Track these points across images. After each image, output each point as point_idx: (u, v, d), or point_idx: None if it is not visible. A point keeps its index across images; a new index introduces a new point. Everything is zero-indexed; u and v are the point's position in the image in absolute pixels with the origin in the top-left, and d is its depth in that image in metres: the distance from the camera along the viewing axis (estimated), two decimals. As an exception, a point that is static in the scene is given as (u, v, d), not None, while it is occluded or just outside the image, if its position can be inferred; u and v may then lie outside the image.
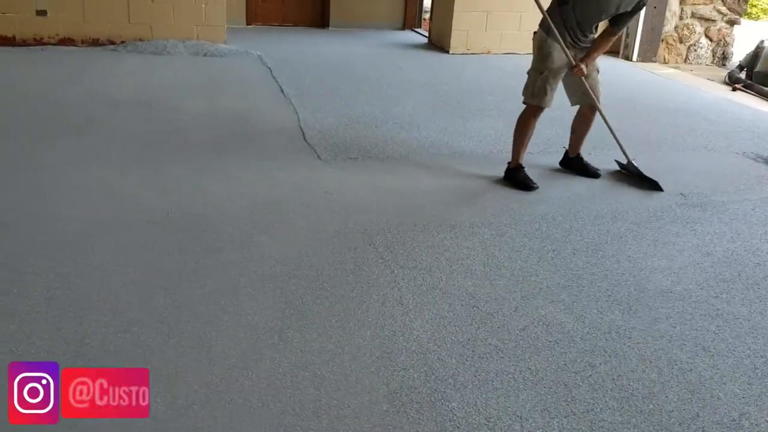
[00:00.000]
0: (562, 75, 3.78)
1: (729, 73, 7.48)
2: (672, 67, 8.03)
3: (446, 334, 2.43)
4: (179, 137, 4.34)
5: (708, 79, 7.46)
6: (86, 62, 6.15)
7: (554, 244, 3.20)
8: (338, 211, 3.39)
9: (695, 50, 8.34)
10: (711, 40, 8.39)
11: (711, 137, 5.16)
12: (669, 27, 8.12)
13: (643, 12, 7.76)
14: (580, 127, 4.07)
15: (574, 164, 4.15)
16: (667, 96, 6.47)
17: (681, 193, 3.91)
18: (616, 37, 3.86)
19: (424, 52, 7.79)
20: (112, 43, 6.71)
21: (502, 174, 4.00)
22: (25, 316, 2.35)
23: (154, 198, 3.39)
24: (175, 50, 6.71)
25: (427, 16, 9.67)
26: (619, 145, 4.07)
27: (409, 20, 9.23)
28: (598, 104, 3.89)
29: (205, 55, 6.72)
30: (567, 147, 4.21)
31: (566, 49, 3.67)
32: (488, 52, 7.88)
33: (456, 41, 7.71)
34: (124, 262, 2.76)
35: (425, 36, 8.80)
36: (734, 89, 6.92)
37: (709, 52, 8.47)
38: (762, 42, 7.24)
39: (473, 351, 2.35)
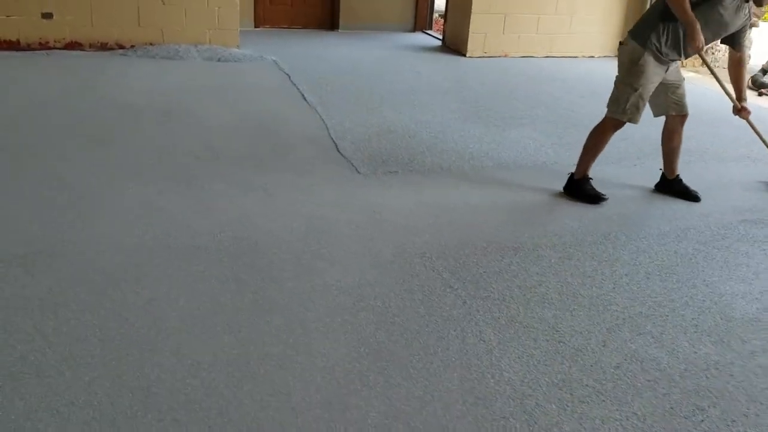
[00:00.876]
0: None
1: (752, 77, 7.33)
2: (691, 71, 7.88)
3: (538, 375, 2.24)
4: (208, 149, 4.12)
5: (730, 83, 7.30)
6: (97, 67, 5.91)
7: (625, 267, 3.02)
8: (390, 232, 3.19)
9: (713, 53, 8.20)
10: (728, 42, 8.24)
11: (752, 146, 4.98)
12: (687, 29, 7.96)
13: (662, 14, 7.65)
14: (671, 143, 3.82)
15: (673, 187, 3.90)
16: (696, 102, 6.28)
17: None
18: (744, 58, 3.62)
19: (441, 56, 7.60)
20: (121, 47, 6.46)
21: (551, 187, 3.85)
22: (80, 361, 2.14)
23: (196, 219, 3.17)
24: (187, 55, 6.48)
25: (437, 17, 9.49)
26: None
27: (420, 22, 9.04)
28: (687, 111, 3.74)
29: (219, 60, 6.49)
30: (662, 168, 3.95)
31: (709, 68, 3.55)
32: (505, 55, 7.70)
33: (473, 44, 7.53)
34: (177, 294, 2.55)
35: (438, 38, 8.61)
36: (760, 94, 6.79)
37: (727, 56, 8.31)
38: (786, 45, 7.10)
39: (571, 394, 2.16)
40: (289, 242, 3.02)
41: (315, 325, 2.42)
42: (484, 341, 2.40)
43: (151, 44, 6.52)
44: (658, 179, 4.00)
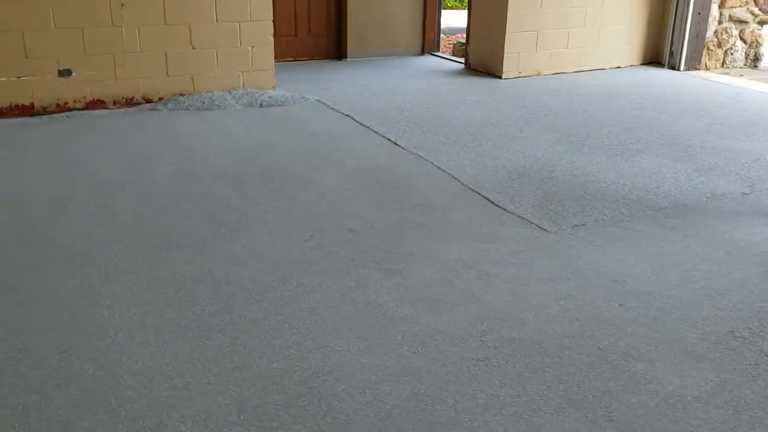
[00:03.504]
0: None
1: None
2: (721, 74, 7.78)
3: None
4: (358, 220, 3.53)
5: (769, 83, 7.23)
6: (137, 128, 5.14)
7: None
8: (669, 309, 2.73)
9: (732, 54, 8.15)
10: (745, 42, 8.23)
11: None
12: (710, 32, 7.87)
13: (689, 18, 7.50)
14: None
15: None
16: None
17: None
18: None
19: (475, 79, 7.16)
20: (149, 101, 5.70)
21: (755, 226, 3.46)
22: None
23: (432, 317, 2.61)
24: (224, 103, 5.78)
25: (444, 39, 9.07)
26: None
27: (428, 44, 8.58)
28: None
29: (261, 105, 5.82)
30: None
31: None
32: (538, 74, 7.35)
33: (508, 65, 7.13)
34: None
35: (455, 61, 8.18)
36: (811, 93, 6.70)
37: (743, 55, 8.29)
38: (822, 42, 7.07)
39: None
40: (572, 338, 2.49)
41: (730, 458, 1.90)
42: None
43: (181, 95, 5.79)
44: None
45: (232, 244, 3.24)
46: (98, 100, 5.55)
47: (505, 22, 6.97)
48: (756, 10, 8.16)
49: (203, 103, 5.76)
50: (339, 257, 3.11)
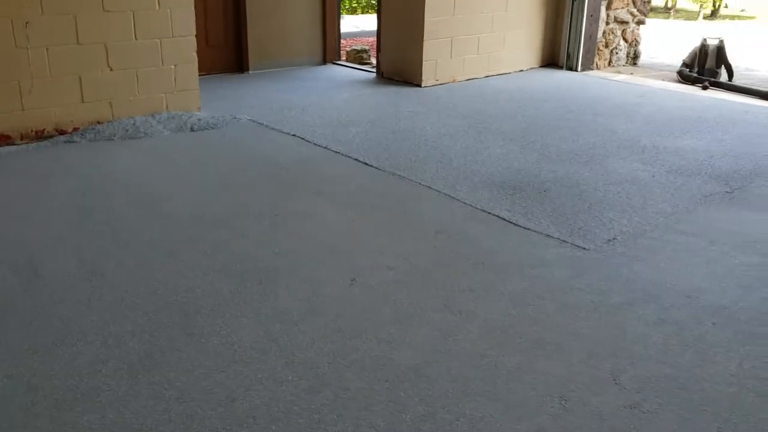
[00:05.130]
0: None
1: (679, 71, 7.81)
2: (614, 72, 8.20)
3: None
4: (387, 255, 3.24)
5: (663, 80, 7.72)
6: (56, 165, 4.45)
7: None
8: None
9: (616, 53, 8.62)
10: (626, 41, 8.74)
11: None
12: (599, 33, 8.26)
13: (584, 20, 7.83)
14: None
15: None
16: (689, 105, 6.49)
17: None
18: None
19: (396, 88, 6.99)
20: (62, 132, 4.98)
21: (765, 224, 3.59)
22: None
23: (554, 366, 2.42)
24: (150, 129, 5.18)
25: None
26: None
27: (330, 53, 8.30)
28: None
29: (192, 129, 5.29)
30: None
31: None
32: (453, 80, 7.34)
33: (426, 72, 7.04)
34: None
35: (361, 69, 7.98)
36: (705, 88, 7.22)
37: (625, 54, 8.81)
38: (705, 40, 7.65)
39: None
40: (700, 368, 2.43)
41: None
42: None
43: (99, 123, 5.11)
44: None
45: (271, 298, 2.84)
46: (3, 135, 4.76)
47: (423, 29, 6.87)
48: (635, 11, 8.69)
49: (126, 131, 5.12)
50: (399, 302, 2.82)
